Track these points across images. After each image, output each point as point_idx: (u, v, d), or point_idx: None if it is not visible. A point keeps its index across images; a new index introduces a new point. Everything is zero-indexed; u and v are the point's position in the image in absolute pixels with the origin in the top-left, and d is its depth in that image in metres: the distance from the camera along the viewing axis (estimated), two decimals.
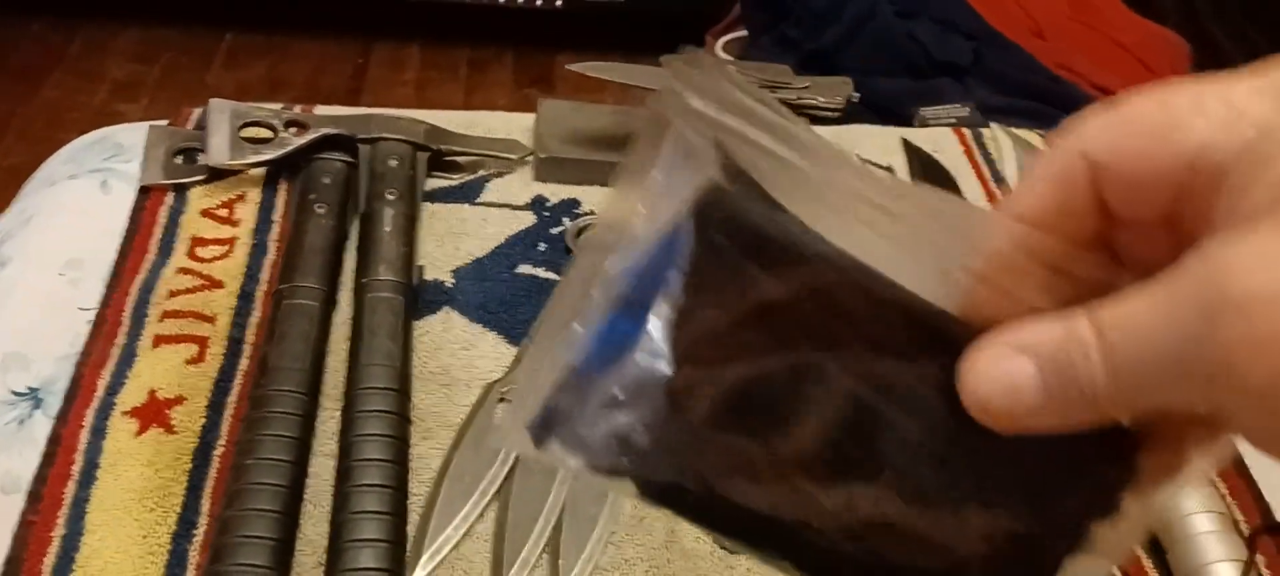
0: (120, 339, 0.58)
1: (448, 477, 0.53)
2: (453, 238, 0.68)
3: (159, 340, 0.58)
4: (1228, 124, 0.21)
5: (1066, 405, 0.22)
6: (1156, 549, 0.53)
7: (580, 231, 0.69)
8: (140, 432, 0.53)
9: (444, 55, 2.21)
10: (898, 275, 0.25)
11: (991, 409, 0.23)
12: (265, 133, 0.69)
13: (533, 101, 0.78)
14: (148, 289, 0.61)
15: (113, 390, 0.55)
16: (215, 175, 0.69)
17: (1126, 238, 0.24)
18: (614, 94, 1.13)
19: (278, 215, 0.67)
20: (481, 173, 0.73)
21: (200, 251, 0.64)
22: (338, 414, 0.55)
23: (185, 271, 0.63)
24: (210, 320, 0.60)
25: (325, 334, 0.59)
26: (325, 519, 0.50)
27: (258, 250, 0.65)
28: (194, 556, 0.49)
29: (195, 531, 0.50)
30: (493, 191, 0.72)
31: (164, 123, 0.73)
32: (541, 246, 0.68)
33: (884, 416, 0.24)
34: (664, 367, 0.24)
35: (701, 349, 0.24)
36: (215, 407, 0.55)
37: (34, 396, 0.56)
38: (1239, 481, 0.57)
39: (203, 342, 0.58)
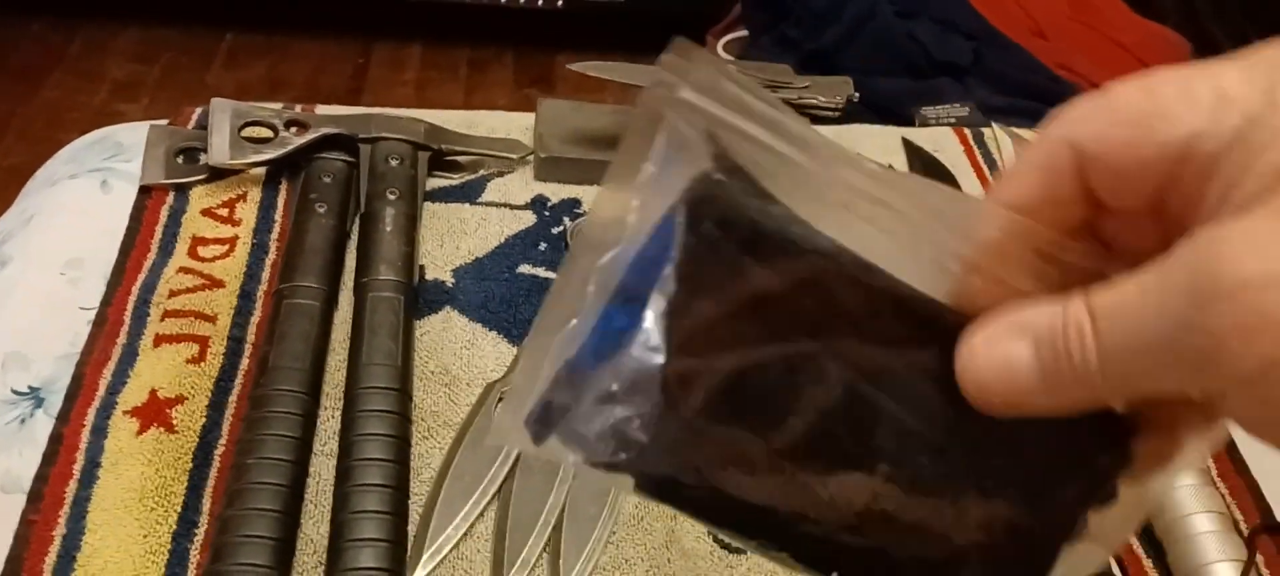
0: (121, 338, 0.58)
1: (448, 477, 0.53)
2: (453, 237, 0.68)
3: (160, 339, 0.58)
4: (1215, 112, 0.21)
5: (1061, 386, 0.22)
6: (1156, 548, 0.53)
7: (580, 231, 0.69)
8: (141, 432, 0.53)
9: (444, 55, 2.21)
10: (890, 265, 0.25)
11: (987, 389, 0.23)
12: (266, 132, 0.69)
13: (533, 101, 0.78)
14: (148, 288, 0.61)
15: (113, 389, 0.55)
16: (216, 175, 0.69)
17: (1114, 226, 0.24)
18: (614, 94, 1.13)
19: (278, 215, 0.67)
20: (482, 172, 0.73)
21: (201, 251, 0.64)
22: (338, 413, 0.55)
23: (186, 271, 0.63)
24: (211, 319, 0.60)
25: (326, 333, 0.59)
26: (326, 518, 0.50)
27: (258, 250, 0.65)
28: (195, 555, 0.49)
29: (196, 530, 0.50)
30: (493, 191, 0.72)
31: (164, 122, 0.73)
32: (542, 246, 0.68)
33: (879, 406, 0.24)
34: (659, 361, 0.24)
35: (696, 341, 0.24)
36: (216, 407, 0.55)
37: (35, 396, 0.56)
38: (1239, 481, 0.57)
39: (203, 342, 0.58)
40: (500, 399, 0.57)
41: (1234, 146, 0.20)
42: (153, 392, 0.55)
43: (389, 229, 0.63)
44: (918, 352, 0.24)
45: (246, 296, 0.62)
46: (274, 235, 0.66)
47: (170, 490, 0.51)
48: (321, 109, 0.76)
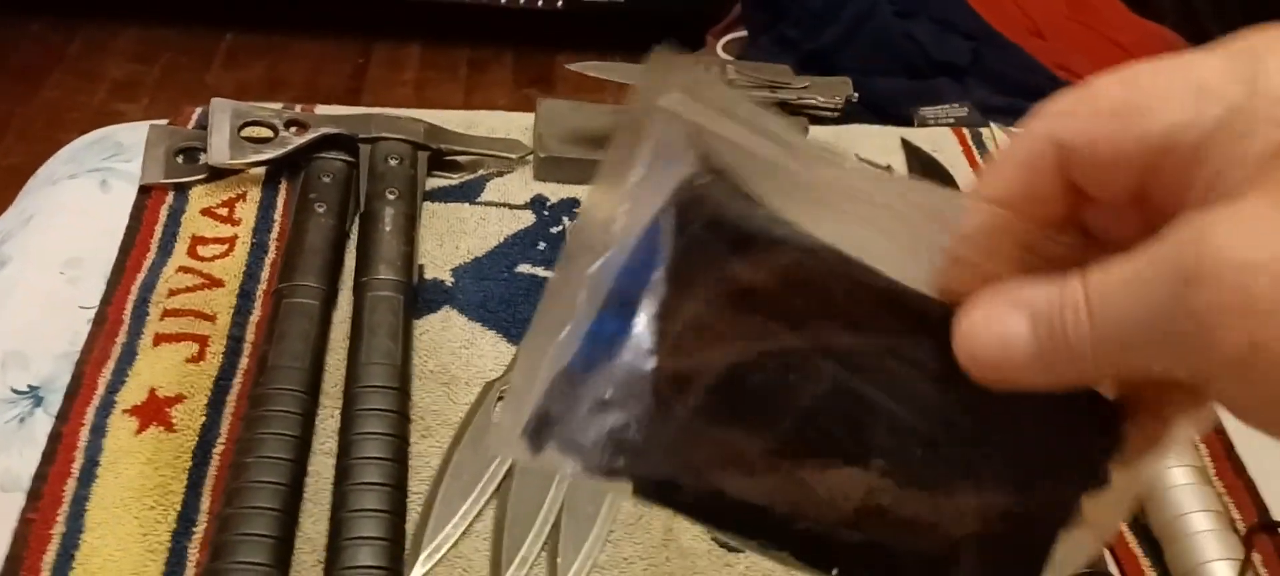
0: (120, 337, 0.58)
1: (447, 475, 0.53)
2: (452, 237, 0.68)
3: (159, 338, 0.58)
4: (1197, 103, 0.21)
5: (1054, 362, 0.22)
6: (1154, 547, 0.53)
7: None
8: (140, 431, 0.54)
9: (444, 55, 2.21)
10: (877, 261, 0.25)
11: (983, 362, 0.23)
12: (266, 132, 0.69)
13: (533, 101, 0.78)
14: (148, 287, 0.61)
15: (113, 388, 0.55)
16: (216, 174, 0.69)
17: (1097, 216, 0.25)
18: (614, 94, 1.13)
19: (278, 214, 0.67)
20: (481, 172, 0.74)
21: (201, 250, 0.64)
22: (337, 412, 0.55)
23: (185, 270, 0.63)
24: (210, 319, 0.60)
25: (325, 333, 0.59)
26: (325, 516, 0.51)
27: (258, 249, 0.65)
28: (194, 554, 0.49)
29: (195, 529, 0.50)
30: (492, 191, 0.72)
31: (164, 122, 0.73)
32: (541, 246, 0.68)
33: (872, 401, 0.24)
34: (651, 365, 0.24)
35: (687, 344, 0.24)
36: (215, 406, 0.55)
37: (34, 394, 0.57)
38: (1236, 480, 0.57)
39: (203, 341, 0.58)
40: (499, 398, 0.57)
41: (1217, 135, 0.21)
42: (152, 391, 0.55)
43: (388, 228, 0.63)
44: (908, 346, 0.25)
45: (246, 296, 0.62)
46: (273, 235, 0.66)
47: (169, 489, 0.51)
48: (321, 109, 0.76)
